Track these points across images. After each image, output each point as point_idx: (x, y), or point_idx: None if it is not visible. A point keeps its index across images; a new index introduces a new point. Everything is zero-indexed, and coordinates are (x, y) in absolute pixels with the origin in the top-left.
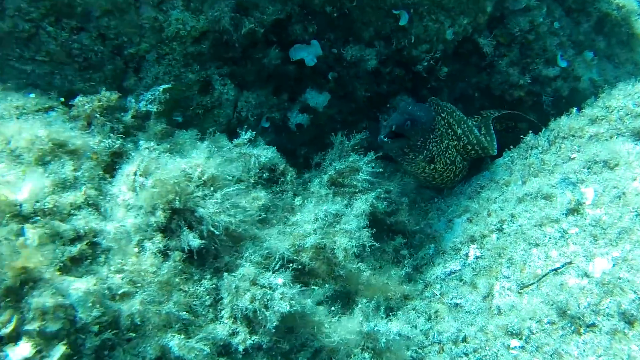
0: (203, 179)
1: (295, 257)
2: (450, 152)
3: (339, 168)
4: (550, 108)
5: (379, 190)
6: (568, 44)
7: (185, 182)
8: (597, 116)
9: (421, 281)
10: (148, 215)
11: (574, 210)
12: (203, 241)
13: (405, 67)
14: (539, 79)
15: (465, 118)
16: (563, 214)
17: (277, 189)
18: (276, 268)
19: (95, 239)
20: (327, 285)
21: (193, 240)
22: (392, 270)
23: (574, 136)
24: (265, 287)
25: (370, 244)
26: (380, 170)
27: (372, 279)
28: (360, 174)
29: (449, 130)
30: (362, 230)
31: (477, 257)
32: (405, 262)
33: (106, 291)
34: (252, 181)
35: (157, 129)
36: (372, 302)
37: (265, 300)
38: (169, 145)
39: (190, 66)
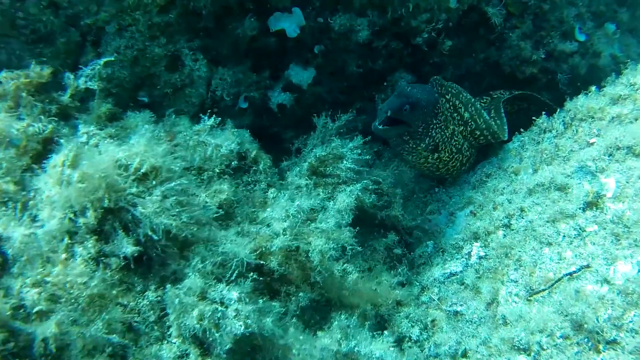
0: (141, 171)
1: (261, 262)
2: (456, 138)
3: (320, 155)
4: (566, 87)
5: (365, 181)
6: (587, 15)
7: (116, 176)
8: (620, 95)
9: (417, 284)
10: (77, 216)
11: (593, 204)
12: (138, 248)
13: (404, 40)
14: (554, 55)
15: (473, 100)
16: (580, 209)
17: (249, 180)
18: (232, 278)
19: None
20: (301, 294)
21: (127, 247)
22: (383, 276)
23: (593, 118)
24: (216, 302)
25: (351, 246)
26: (368, 157)
27: (359, 283)
28: (344, 161)
29: (455, 114)
30: (342, 229)
31: (480, 257)
32: (400, 269)
33: (11, 311)
34: (217, 171)
35: (101, 110)
36: (355, 316)
37: (216, 319)
38: (114, 130)
39: (157, 39)
